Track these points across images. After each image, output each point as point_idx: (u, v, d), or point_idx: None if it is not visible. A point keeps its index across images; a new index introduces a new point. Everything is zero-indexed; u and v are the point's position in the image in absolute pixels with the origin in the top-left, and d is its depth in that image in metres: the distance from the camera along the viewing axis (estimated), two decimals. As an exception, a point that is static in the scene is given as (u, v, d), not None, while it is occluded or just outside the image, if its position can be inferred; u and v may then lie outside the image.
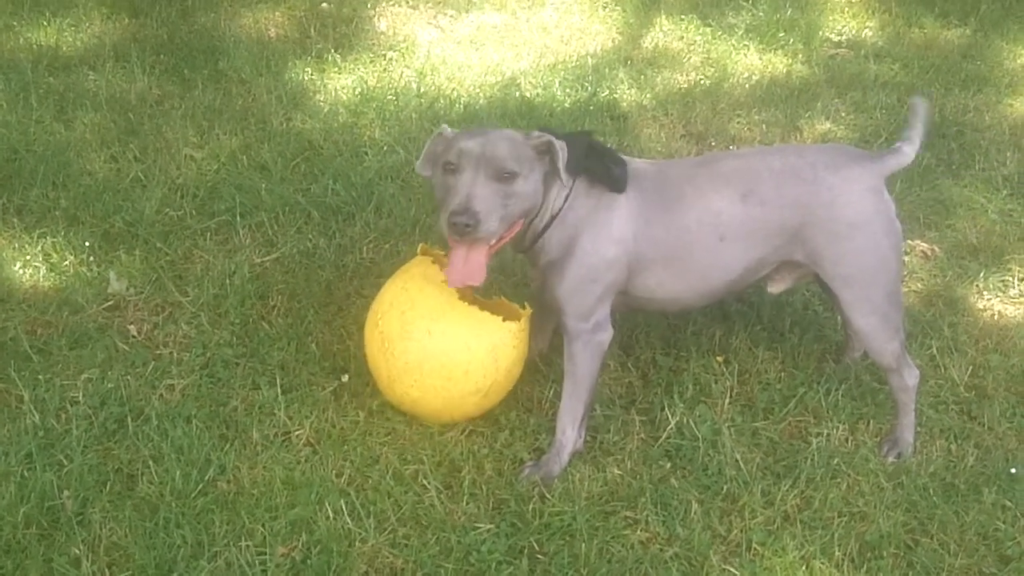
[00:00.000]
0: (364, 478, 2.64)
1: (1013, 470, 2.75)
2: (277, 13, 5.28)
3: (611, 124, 4.36)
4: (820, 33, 5.33)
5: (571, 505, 2.58)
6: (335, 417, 2.82)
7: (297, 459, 2.69)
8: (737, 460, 2.73)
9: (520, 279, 3.29)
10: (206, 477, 2.61)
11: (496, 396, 2.76)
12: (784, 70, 4.97)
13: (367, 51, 4.92)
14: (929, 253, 3.63)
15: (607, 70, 4.82)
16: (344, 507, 2.53)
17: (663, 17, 5.40)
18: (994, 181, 4.08)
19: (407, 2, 5.50)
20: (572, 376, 2.70)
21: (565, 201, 2.61)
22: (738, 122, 4.48)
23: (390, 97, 4.47)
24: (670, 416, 2.84)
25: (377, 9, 5.40)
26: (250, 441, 2.74)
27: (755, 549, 2.51)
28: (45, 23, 4.99)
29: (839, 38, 5.36)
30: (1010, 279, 3.52)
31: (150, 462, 2.65)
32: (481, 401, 2.72)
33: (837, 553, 2.50)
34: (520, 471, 2.68)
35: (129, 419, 2.77)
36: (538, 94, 4.59)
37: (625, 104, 4.56)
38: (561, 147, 2.53)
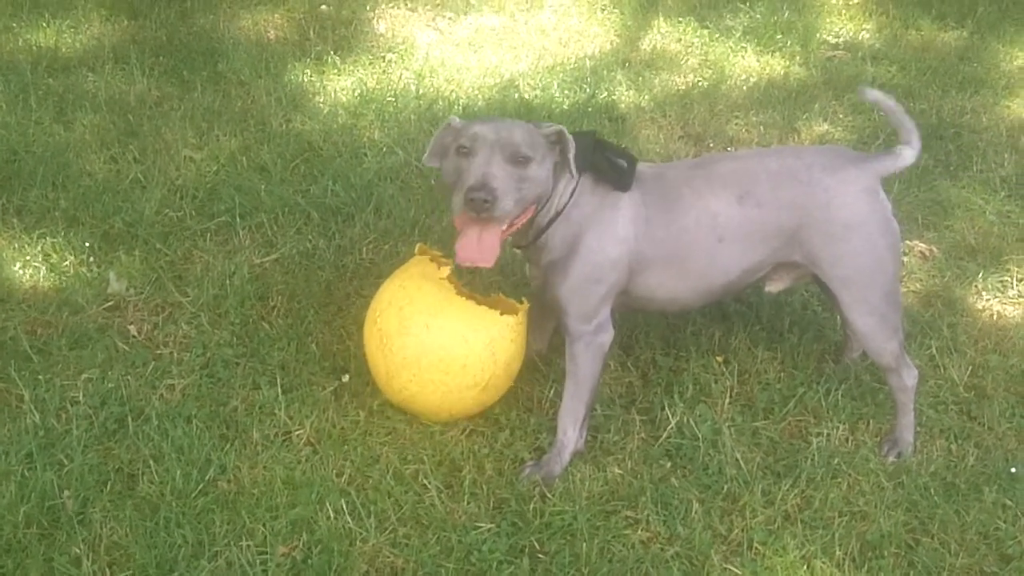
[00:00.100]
0: (365, 478, 2.64)
1: (1013, 469, 2.75)
2: (276, 15, 5.28)
3: (609, 126, 4.36)
4: (817, 35, 5.35)
5: (572, 505, 2.58)
6: (335, 417, 2.82)
7: (298, 459, 2.69)
8: (737, 459, 2.73)
9: (520, 279, 3.29)
10: (207, 477, 2.60)
11: (495, 391, 2.76)
12: (782, 72, 4.98)
13: (366, 53, 4.93)
14: (927, 254, 3.64)
15: (605, 72, 4.83)
16: (345, 507, 2.53)
17: (661, 19, 5.42)
18: (992, 182, 4.09)
19: (406, 4, 5.51)
20: (573, 377, 2.70)
21: (570, 197, 2.61)
22: (736, 124, 4.49)
23: (389, 99, 4.48)
24: (670, 416, 2.84)
25: (376, 11, 5.41)
26: (250, 441, 2.74)
27: (756, 548, 2.51)
28: (44, 25, 4.99)
29: (836, 40, 5.38)
30: (1008, 280, 3.53)
31: (150, 462, 2.64)
32: (480, 396, 2.72)
33: (838, 552, 2.50)
34: (521, 471, 2.68)
35: (129, 419, 2.77)
36: (536, 96, 4.60)
37: (623, 106, 4.57)
38: (571, 138, 2.54)
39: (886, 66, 5.08)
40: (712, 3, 5.62)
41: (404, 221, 3.61)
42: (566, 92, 4.63)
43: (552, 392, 2.92)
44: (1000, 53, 5.30)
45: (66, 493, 2.53)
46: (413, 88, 4.58)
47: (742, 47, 5.17)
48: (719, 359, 3.08)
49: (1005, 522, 2.60)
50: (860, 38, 5.41)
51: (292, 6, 5.37)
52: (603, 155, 2.62)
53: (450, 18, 5.39)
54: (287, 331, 3.11)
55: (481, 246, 2.46)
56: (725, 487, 2.66)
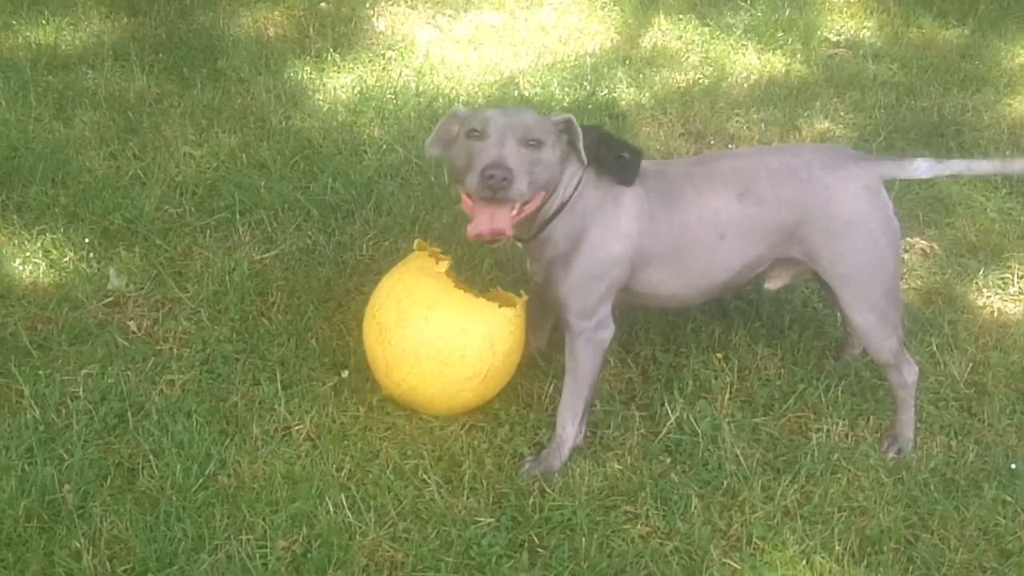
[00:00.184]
0: (364, 472, 2.64)
1: (1013, 466, 2.75)
2: (276, 12, 5.28)
3: (610, 123, 4.36)
4: (818, 33, 5.34)
5: (571, 500, 2.58)
6: (335, 412, 2.82)
7: (297, 454, 2.69)
8: (737, 455, 2.73)
9: (519, 275, 3.29)
10: (207, 471, 2.61)
11: (494, 383, 2.76)
12: (783, 70, 4.98)
13: (366, 50, 4.93)
14: (928, 251, 3.64)
15: (606, 69, 4.82)
16: (344, 501, 2.53)
17: (661, 17, 5.41)
18: (993, 180, 4.08)
19: (406, 2, 5.50)
20: (573, 373, 2.70)
21: (575, 189, 2.61)
22: (737, 121, 4.49)
23: (389, 96, 4.48)
24: (670, 412, 2.84)
25: (376, 8, 5.40)
26: (250, 436, 2.74)
27: (755, 543, 2.51)
28: (44, 22, 4.99)
29: (837, 38, 5.37)
30: (1009, 277, 3.53)
31: (151, 456, 2.65)
32: (479, 388, 2.72)
33: (837, 548, 2.50)
34: (520, 466, 2.69)
35: (129, 414, 2.77)
36: (537, 93, 4.59)
37: (624, 103, 4.57)
38: (579, 127, 2.55)
39: (887, 64, 5.08)
40: (713, 0, 5.62)
41: (404, 218, 3.61)
42: (566, 90, 4.62)
43: (551, 388, 2.92)
44: (1001, 51, 5.30)
45: (66, 487, 2.53)
46: (413, 85, 4.58)
47: (743, 44, 5.17)
48: (719, 355, 3.08)
49: (1005, 518, 2.60)
50: (861, 36, 5.40)
51: (292, 3, 5.37)
52: (608, 149, 2.62)
53: (450, 15, 5.39)
54: (287, 327, 3.11)
55: (494, 220, 2.41)
56: (725, 483, 2.66)
